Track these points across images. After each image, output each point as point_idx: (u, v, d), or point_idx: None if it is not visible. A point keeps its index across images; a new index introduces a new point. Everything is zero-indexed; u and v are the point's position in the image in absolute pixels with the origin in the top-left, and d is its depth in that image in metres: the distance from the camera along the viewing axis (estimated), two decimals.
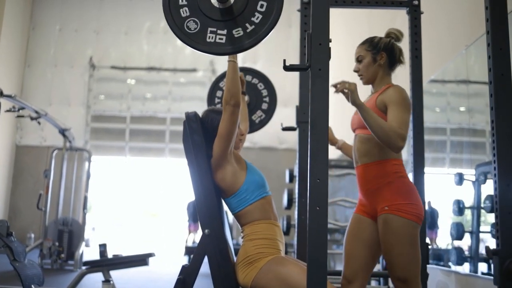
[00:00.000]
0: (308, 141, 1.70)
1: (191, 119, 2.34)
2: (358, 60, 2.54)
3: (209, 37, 1.82)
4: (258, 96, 3.23)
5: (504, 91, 1.82)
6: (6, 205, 12.41)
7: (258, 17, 1.81)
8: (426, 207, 3.75)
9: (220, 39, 1.82)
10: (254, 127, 3.25)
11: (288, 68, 1.81)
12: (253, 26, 1.81)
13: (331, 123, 1.84)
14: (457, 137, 4.55)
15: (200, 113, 2.47)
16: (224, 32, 1.82)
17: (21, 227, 11.60)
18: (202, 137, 2.34)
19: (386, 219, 2.27)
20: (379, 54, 2.49)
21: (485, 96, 3.83)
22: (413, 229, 2.25)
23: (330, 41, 1.76)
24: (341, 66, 8.67)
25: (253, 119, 3.24)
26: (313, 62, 1.73)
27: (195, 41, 1.83)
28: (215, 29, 1.82)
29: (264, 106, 3.26)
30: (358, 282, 2.38)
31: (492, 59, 1.74)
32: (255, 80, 3.25)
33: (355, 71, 2.56)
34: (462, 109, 4.44)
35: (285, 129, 3.16)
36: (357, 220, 2.45)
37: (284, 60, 1.81)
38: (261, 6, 1.82)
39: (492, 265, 3.69)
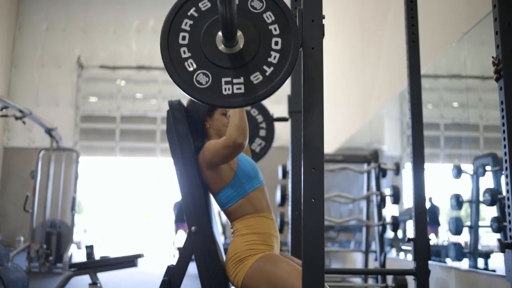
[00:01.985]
0: (301, 131, 1.55)
1: (174, 108, 2.17)
2: None
3: (225, 89, 1.57)
4: (253, 123, 3.00)
5: None
6: None
7: (275, 56, 1.58)
8: (428, 204, 3.60)
9: (238, 89, 1.56)
10: (256, 156, 3.01)
11: None
12: (272, 68, 1.57)
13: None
14: (451, 132, 4.44)
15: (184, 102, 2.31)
16: (241, 80, 1.57)
17: (10, 230, 11.42)
18: (187, 127, 2.17)
19: None
20: None
21: (477, 90, 3.75)
22: None
23: (324, 18, 1.61)
24: (332, 58, 8.57)
25: (252, 148, 3.01)
26: (305, 41, 1.58)
27: (211, 96, 1.56)
28: (229, 79, 1.57)
29: (262, 132, 3.04)
30: None
31: (500, 35, 1.59)
32: (247, 107, 2.97)
33: None
34: (455, 104, 4.33)
35: (276, 119, 3.00)
36: None
37: None
38: (276, 43, 1.59)
39: (488, 260, 3.63)
